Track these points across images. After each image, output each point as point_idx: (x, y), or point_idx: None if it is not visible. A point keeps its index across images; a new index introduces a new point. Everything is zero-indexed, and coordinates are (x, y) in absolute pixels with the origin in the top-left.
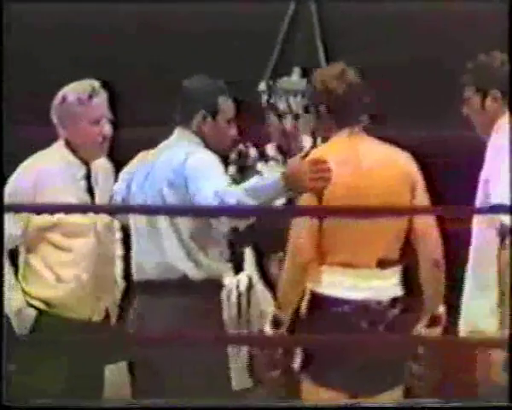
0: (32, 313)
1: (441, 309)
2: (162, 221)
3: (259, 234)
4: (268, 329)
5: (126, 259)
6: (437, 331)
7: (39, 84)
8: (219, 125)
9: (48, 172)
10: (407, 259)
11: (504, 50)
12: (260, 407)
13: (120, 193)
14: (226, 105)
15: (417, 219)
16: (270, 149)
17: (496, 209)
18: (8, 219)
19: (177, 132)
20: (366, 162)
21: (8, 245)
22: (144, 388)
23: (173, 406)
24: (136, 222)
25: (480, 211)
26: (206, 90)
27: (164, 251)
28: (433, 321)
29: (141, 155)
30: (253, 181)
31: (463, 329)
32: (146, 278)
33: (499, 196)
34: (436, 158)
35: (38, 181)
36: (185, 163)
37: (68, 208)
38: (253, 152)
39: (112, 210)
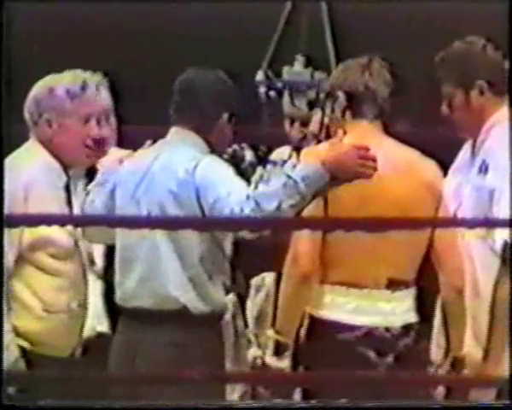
0: (15, 352)
1: (466, 350)
2: (162, 240)
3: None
4: (269, 357)
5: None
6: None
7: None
8: (225, 125)
9: (34, 179)
10: (424, 281)
11: (505, 50)
12: (260, 407)
13: (102, 204)
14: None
15: (438, 238)
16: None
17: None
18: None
19: (177, 132)
20: (383, 166)
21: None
22: None
23: (173, 406)
24: (125, 238)
25: None
26: (227, 91)
27: (162, 277)
28: (456, 365)
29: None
30: (281, 179)
31: None
32: (136, 306)
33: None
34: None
35: (28, 191)
36: (194, 173)
37: (71, 220)
38: (248, 154)
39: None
